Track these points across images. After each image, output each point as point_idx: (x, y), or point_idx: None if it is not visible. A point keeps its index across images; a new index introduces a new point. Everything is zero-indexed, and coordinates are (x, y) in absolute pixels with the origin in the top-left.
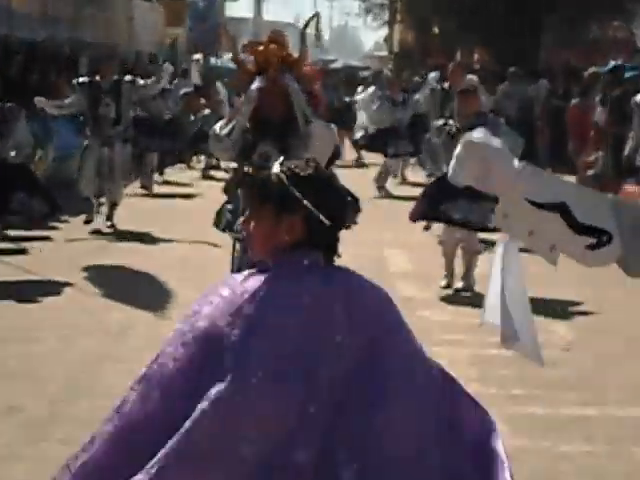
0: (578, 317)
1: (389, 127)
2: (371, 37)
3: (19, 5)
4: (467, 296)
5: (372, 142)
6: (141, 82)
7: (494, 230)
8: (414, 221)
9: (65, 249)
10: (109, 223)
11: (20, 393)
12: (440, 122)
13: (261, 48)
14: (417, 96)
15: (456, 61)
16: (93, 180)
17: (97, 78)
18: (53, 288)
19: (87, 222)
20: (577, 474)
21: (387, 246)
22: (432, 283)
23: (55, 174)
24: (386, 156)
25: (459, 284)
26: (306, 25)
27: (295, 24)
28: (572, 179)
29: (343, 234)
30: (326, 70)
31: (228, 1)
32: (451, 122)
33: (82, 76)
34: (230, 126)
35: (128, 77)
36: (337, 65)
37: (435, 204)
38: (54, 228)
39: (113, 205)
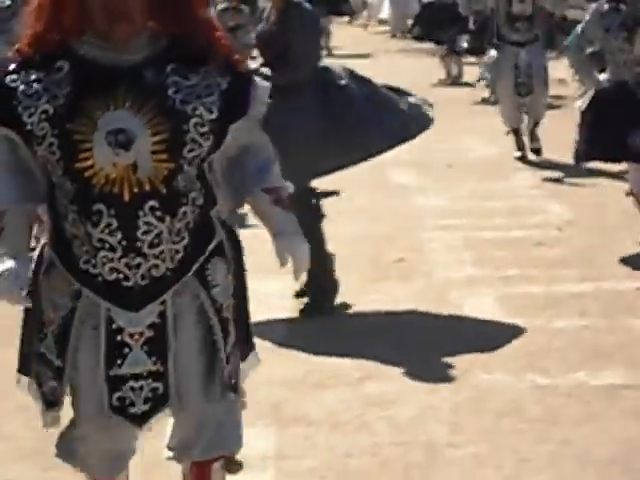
0: (573, 195)
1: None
2: None
3: None
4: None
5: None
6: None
7: None
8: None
9: None
10: None
11: None
12: (605, 5)
13: None
14: None
15: None
16: None
17: None
18: None
19: None
20: (572, 348)
21: None
22: (426, 169)
23: None
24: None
25: None
26: None
27: None
28: None
29: None
30: None
31: None
32: (622, 6)
33: None
34: None
35: None
36: None
37: (615, 137)
38: None
39: None
